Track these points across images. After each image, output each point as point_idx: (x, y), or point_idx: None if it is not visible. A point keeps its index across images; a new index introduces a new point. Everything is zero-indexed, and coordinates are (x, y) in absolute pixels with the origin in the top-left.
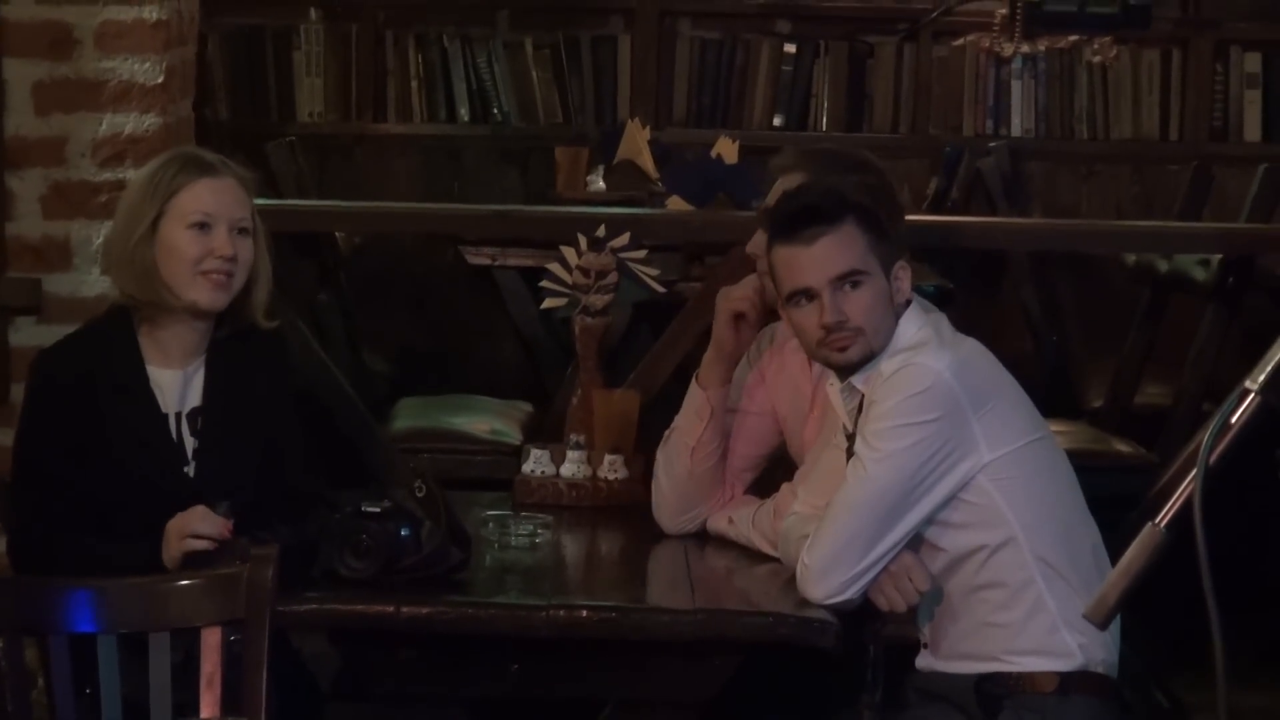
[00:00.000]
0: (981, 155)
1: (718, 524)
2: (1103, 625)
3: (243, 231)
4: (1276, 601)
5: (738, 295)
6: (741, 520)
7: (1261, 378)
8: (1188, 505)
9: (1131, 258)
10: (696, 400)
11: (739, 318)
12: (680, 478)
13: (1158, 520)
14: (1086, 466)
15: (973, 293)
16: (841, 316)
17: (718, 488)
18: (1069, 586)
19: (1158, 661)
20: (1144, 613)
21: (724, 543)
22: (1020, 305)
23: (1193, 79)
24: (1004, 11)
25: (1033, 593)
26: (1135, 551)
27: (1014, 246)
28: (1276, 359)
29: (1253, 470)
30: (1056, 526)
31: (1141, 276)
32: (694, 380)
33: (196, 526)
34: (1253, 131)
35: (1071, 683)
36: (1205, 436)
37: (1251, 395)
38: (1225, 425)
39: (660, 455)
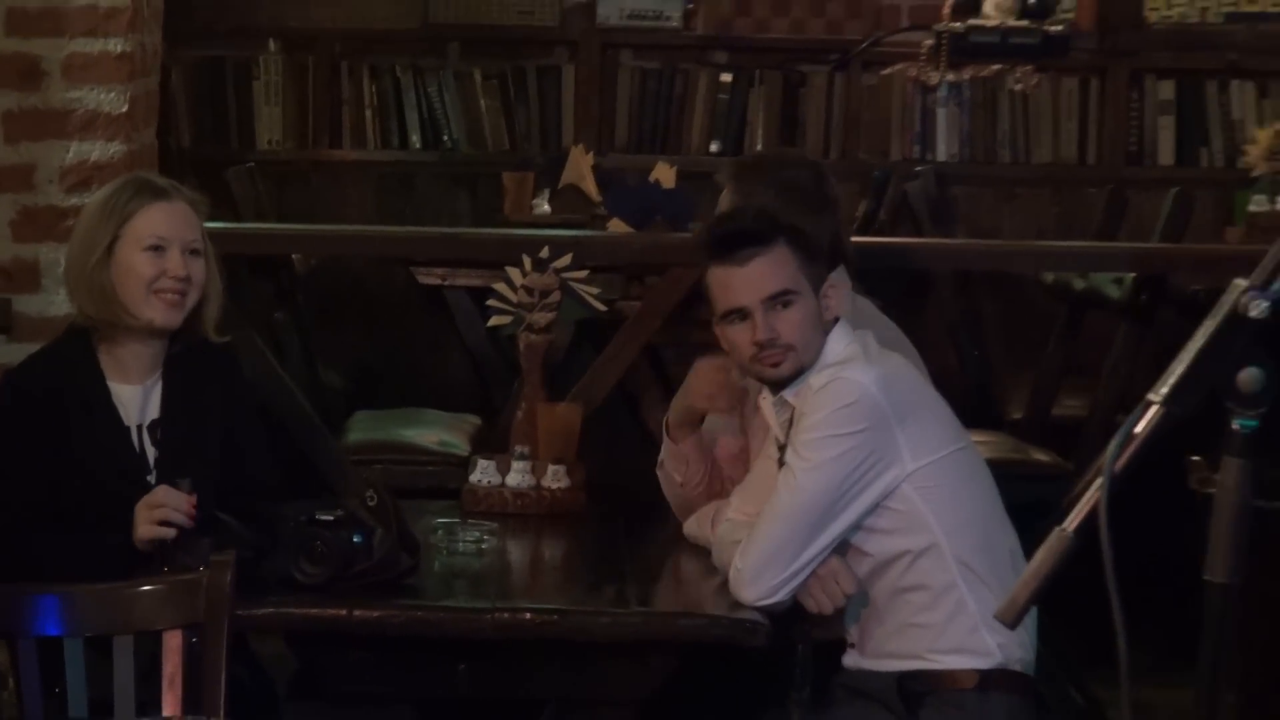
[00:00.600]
0: (908, 179)
1: (688, 528)
2: (1012, 625)
3: (194, 252)
4: (1189, 600)
5: (708, 393)
6: (702, 524)
7: (1164, 390)
8: (1095, 511)
9: (1050, 276)
10: (672, 449)
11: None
12: (679, 497)
13: (1065, 525)
14: (1006, 475)
15: (899, 310)
16: (773, 334)
17: (716, 497)
18: (988, 589)
19: (1076, 660)
20: (1063, 613)
21: (661, 548)
22: (945, 321)
23: (1109, 106)
24: (930, 42)
25: (954, 595)
26: (1043, 555)
27: (939, 266)
28: (1178, 372)
29: (1166, 475)
30: (977, 532)
31: (1059, 294)
32: (665, 431)
33: (164, 500)
34: (1166, 156)
35: (990, 680)
36: (1111, 446)
37: (1154, 407)
38: (1130, 436)
39: (659, 474)
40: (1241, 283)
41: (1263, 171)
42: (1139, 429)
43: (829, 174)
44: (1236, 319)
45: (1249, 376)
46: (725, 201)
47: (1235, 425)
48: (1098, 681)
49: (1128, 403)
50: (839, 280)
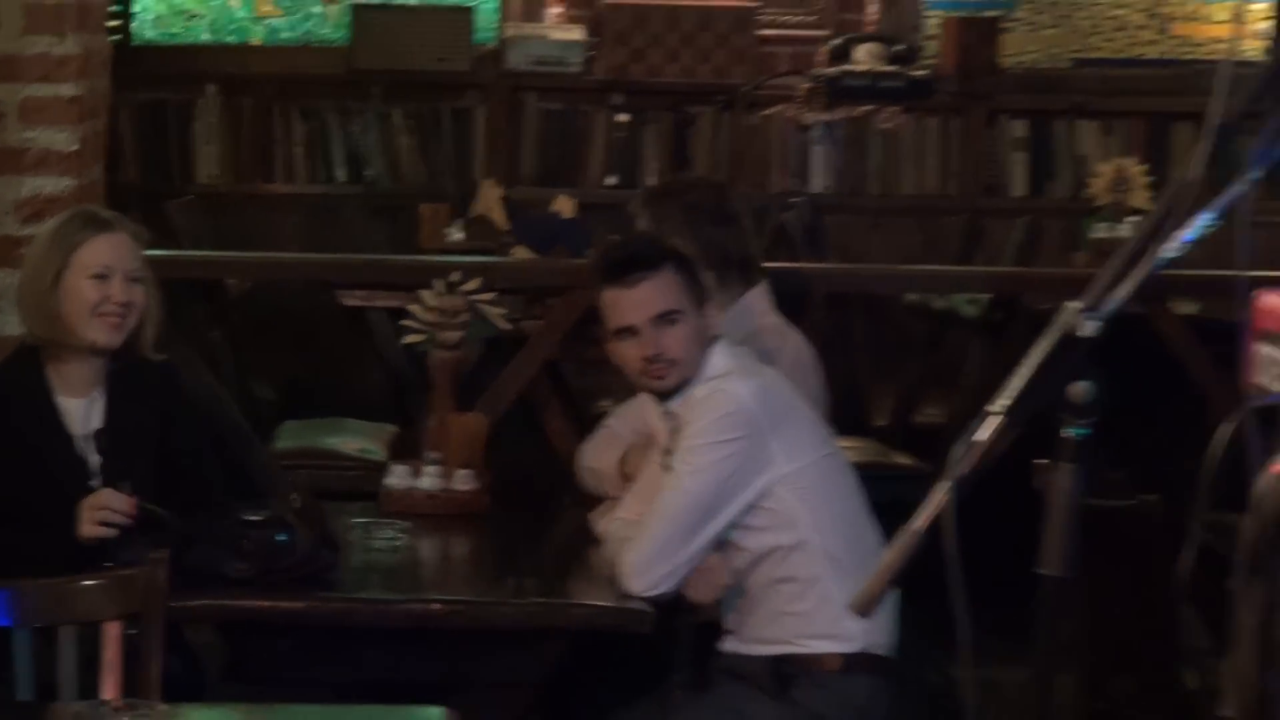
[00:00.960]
0: (786, 209)
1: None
2: (866, 614)
3: (135, 280)
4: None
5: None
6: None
7: (1003, 402)
8: (941, 511)
9: (913, 296)
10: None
11: None
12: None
13: (914, 525)
14: (872, 477)
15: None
16: (660, 350)
17: None
18: (854, 581)
19: (936, 643)
20: (924, 601)
21: (558, 544)
22: (818, 338)
23: (968, 143)
24: (807, 86)
25: (821, 586)
26: (894, 552)
27: (813, 288)
28: (1016, 386)
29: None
30: (844, 529)
31: (922, 313)
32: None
33: (107, 502)
34: (1019, 188)
35: (854, 662)
36: (956, 453)
37: (995, 417)
38: (971, 443)
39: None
40: (1073, 304)
41: (1105, 202)
42: (980, 437)
43: (731, 192)
44: (1069, 337)
45: (1080, 389)
46: (641, 225)
47: (1067, 433)
48: (954, 663)
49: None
50: (751, 300)
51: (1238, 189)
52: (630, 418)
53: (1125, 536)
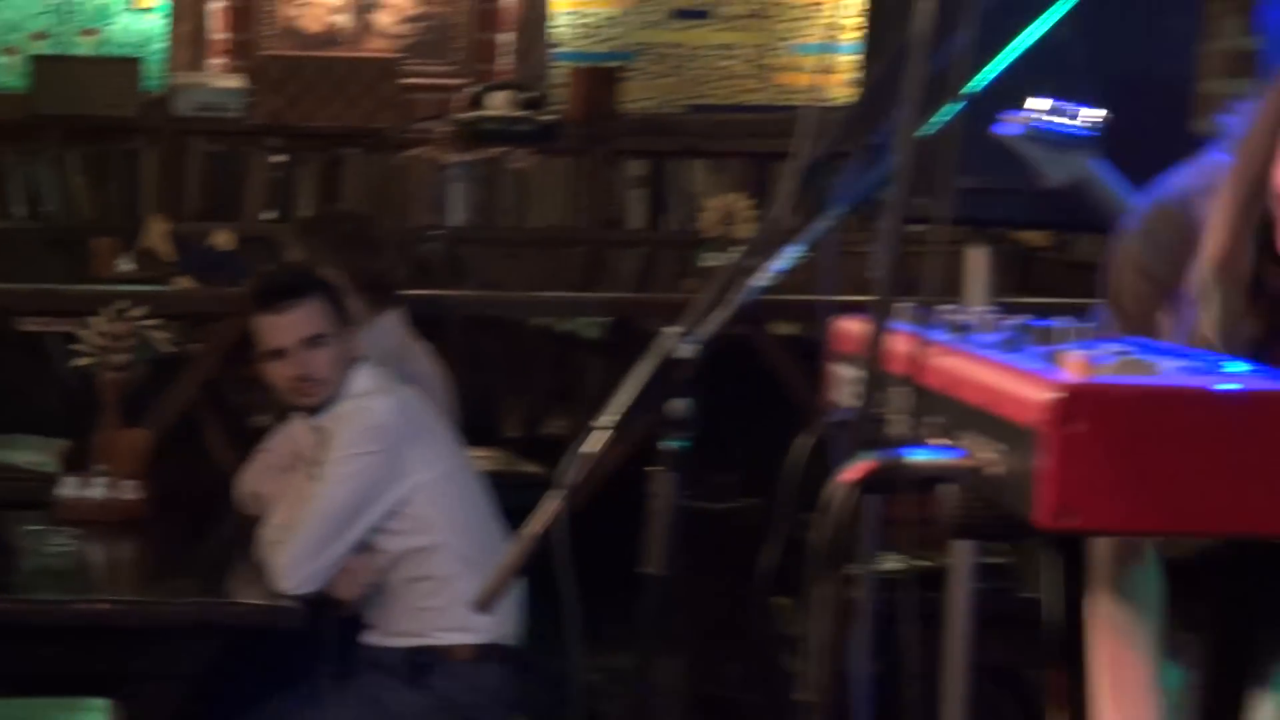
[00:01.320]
0: (427, 241)
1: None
2: (487, 610)
3: None
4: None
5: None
6: None
7: (609, 418)
8: (554, 517)
9: (541, 320)
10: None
11: None
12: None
13: (530, 530)
14: (503, 484)
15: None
16: (307, 370)
17: None
18: (484, 580)
19: (562, 634)
20: (555, 596)
21: (216, 548)
22: (454, 357)
23: (592, 180)
24: (446, 129)
25: (455, 584)
26: (511, 555)
27: (451, 312)
28: (622, 403)
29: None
30: (475, 532)
31: (548, 334)
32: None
33: None
34: (637, 221)
35: (484, 652)
36: (566, 464)
37: (600, 432)
38: (580, 455)
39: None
40: (672, 329)
41: (714, 234)
42: (589, 450)
43: (377, 223)
44: (668, 359)
45: (678, 406)
46: (294, 256)
47: (667, 445)
48: (579, 651)
49: None
50: (389, 322)
51: (823, 223)
52: (284, 442)
53: (731, 536)
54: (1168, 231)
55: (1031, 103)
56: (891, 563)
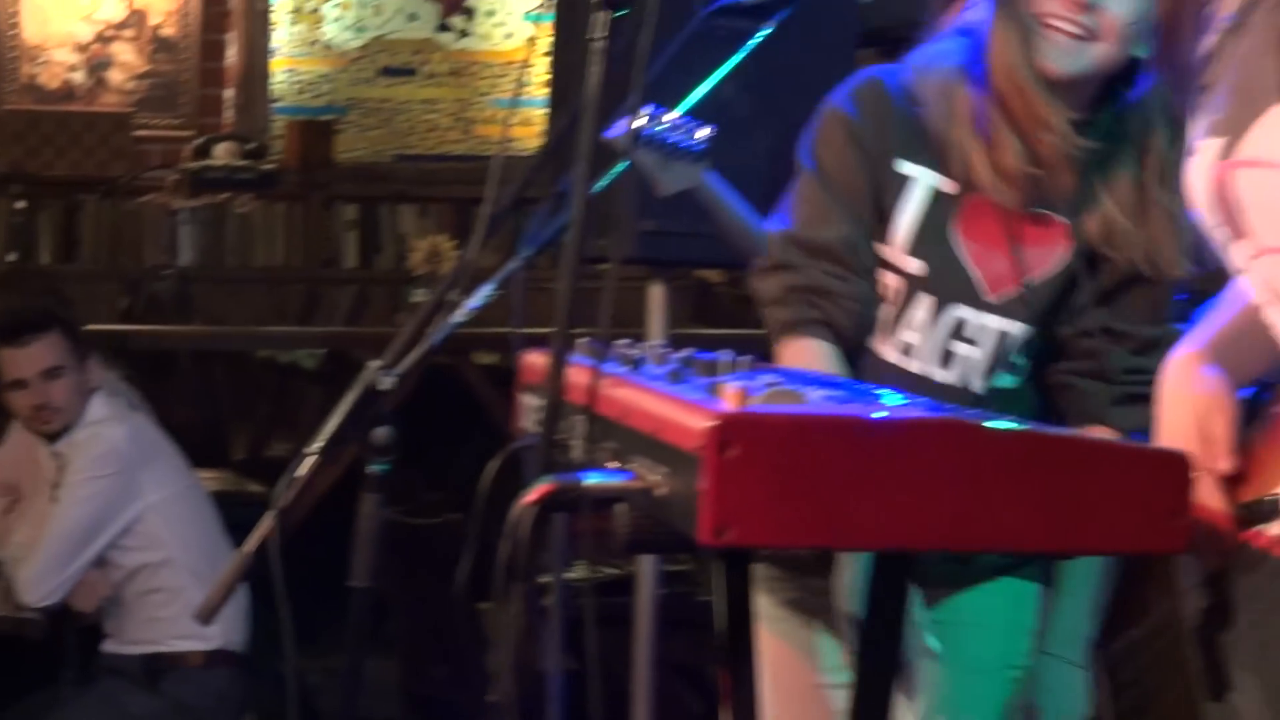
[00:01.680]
0: (159, 281)
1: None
2: (207, 622)
3: None
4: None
5: None
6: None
7: (318, 444)
8: (269, 533)
9: (264, 352)
10: None
11: None
12: None
13: (245, 548)
14: (230, 502)
15: (152, 378)
16: (46, 400)
17: None
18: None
19: (289, 637)
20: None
21: None
22: (186, 386)
23: (309, 223)
24: (175, 177)
25: (186, 595)
26: (229, 570)
27: (181, 347)
28: (329, 430)
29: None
30: (204, 548)
31: (271, 365)
32: None
33: None
34: (351, 261)
35: (214, 658)
36: (281, 487)
37: (309, 457)
38: (293, 479)
39: None
40: (373, 363)
41: (422, 272)
42: (300, 474)
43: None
44: (370, 390)
45: (380, 433)
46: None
47: (371, 469)
48: (304, 655)
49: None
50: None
51: (512, 264)
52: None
53: (440, 548)
54: (876, 104)
55: (644, 111)
56: (578, 571)
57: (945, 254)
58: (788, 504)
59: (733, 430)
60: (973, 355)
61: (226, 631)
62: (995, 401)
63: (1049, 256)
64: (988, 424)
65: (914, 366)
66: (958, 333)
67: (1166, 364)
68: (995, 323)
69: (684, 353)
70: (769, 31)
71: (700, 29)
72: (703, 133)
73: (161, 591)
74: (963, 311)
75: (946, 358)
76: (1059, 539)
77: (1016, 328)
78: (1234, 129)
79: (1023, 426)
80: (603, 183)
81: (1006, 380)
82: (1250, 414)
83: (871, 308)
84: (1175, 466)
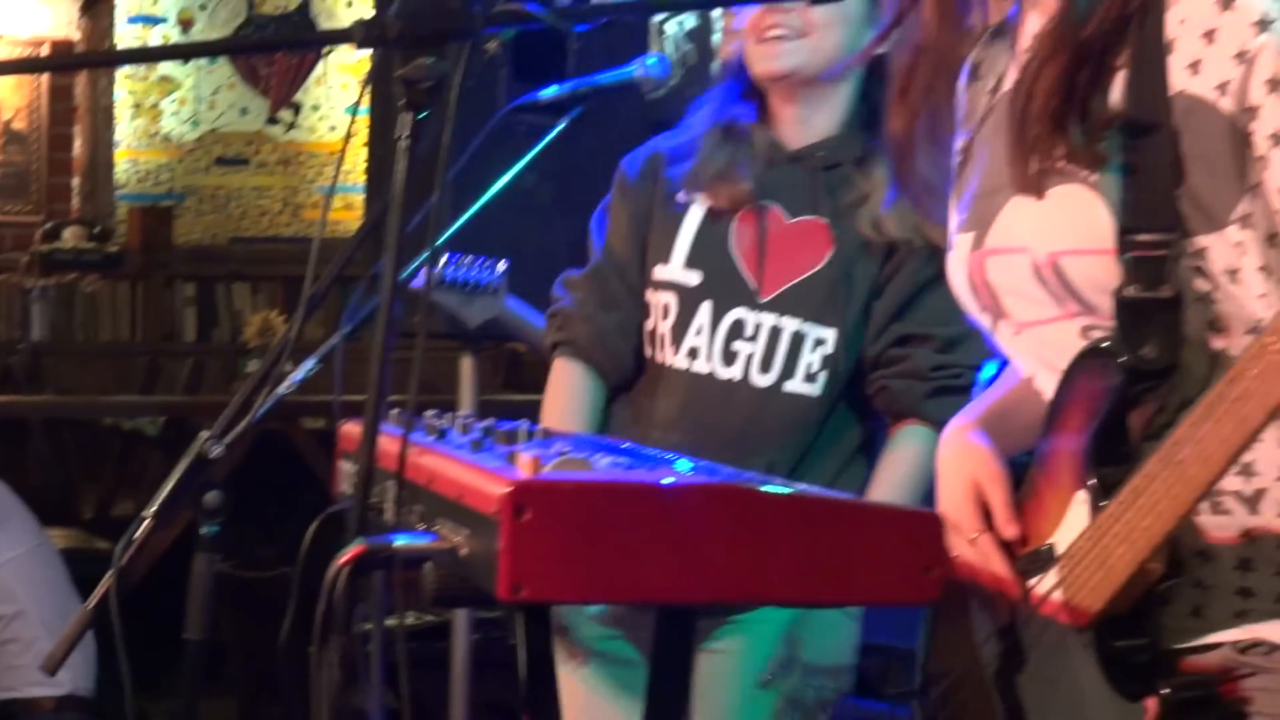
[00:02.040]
0: (11, 355)
1: None
2: (53, 672)
3: None
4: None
5: None
6: None
7: (153, 508)
8: (108, 590)
9: (111, 419)
10: None
11: None
12: None
13: (88, 604)
14: (78, 558)
15: (4, 445)
16: None
17: None
18: None
19: (137, 684)
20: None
21: None
22: (34, 451)
23: (151, 301)
24: (26, 259)
25: (37, 646)
26: (72, 625)
27: (33, 415)
28: (162, 495)
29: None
30: (56, 600)
31: (116, 431)
32: None
33: None
34: (190, 335)
35: (64, 703)
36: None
37: (145, 520)
38: (130, 540)
39: None
40: (204, 433)
41: (255, 344)
42: (136, 536)
43: None
44: (200, 459)
45: (211, 498)
46: None
47: (203, 531)
48: (146, 697)
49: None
50: None
51: (334, 339)
52: None
53: (273, 598)
54: (652, 161)
55: (441, 260)
56: (398, 619)
57: (720, 263)
58: (577, 563)
59: (525, 496)
60: (753, 352)
61: (75, 678)
62: (788, 405)
63: (815, 256)
64: (762, 488)
65: (700, 368)
66: (737, 333)
67: (943, 436)
68: (770, 320)
69: (486, 422)
70: (563, 127)
71: (502, 125)
72: (500, 267)
73: (16, 642)
74: (740, 313)
75: (729, 357)
76: (824, 591)
77: (792, 323)
78: (981, 223)
79: (792, 490)
80: (409, 269)
81: (805, 387)
82: (1017, 479)
83: (622, 325)
84: (929, 525)
